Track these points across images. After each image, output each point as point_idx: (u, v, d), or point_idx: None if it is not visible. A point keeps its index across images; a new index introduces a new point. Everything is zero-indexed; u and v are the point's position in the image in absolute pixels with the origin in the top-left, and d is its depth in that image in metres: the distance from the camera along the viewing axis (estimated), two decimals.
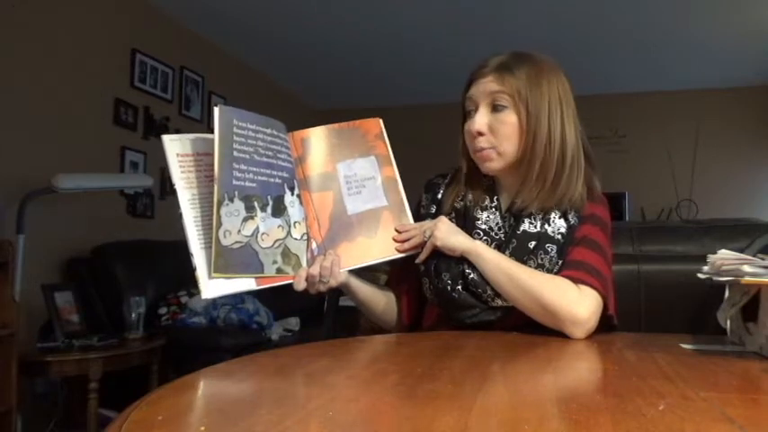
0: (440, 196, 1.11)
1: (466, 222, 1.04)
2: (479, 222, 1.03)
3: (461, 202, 1.06)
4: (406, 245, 1.00)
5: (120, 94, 3.30)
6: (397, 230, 1.01)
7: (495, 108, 0.99)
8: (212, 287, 0.83)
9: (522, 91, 0.97)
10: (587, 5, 3.54)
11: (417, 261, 1.01)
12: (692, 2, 3.46)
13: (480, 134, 0.99)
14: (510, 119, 0.98)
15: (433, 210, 1.10)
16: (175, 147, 0.87)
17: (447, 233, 0.98)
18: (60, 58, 2.90)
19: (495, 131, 0.99)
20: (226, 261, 0.83)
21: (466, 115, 1.04)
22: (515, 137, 0.99)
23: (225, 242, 0.82)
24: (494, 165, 1.01)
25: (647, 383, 0.57)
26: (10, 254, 2.06)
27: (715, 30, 3.85)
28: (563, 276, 0.95)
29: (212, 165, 0.85)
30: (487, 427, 0.43)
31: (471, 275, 0.97)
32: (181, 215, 0.85)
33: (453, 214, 1.06)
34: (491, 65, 1.00)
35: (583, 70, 4.53)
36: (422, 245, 1.00)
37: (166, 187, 3.57)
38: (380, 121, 1.05)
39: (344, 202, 0.99)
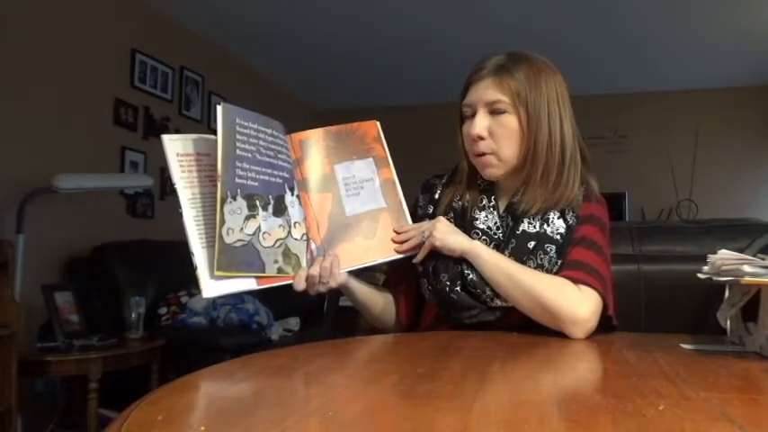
0: (437, 196, 1.10)
1: (464, 222, 1.04)
2: (478, 222, 1.03)
3: (459, 202, 1.06)
4: (405, 245, 1.00)
5: (120, 94, 3.30)
6: (395, 231, 1.01)
7: (495, 111, 0.98)
8: (213, 286, 0.83)
9: (521, 93, 0.97)
10: (587, 6, 3.54)
11: (415, 261, 1.01)
12: (693, 2, 3.46)
13: (481, 138, 0.99)
14: (510, 122, 0.98)
15: (431, 210, 1.09)
16: (176, 146, 0.88)
17: (446, 233, 0.98)
18: (60, 58, 2.90)
19: (495, 135, 0.99)
20: (229, 259, 0.83)
21: (464, 117, 1.04)
22: (516, 140, 0.99)
23: (228, 240, 0.83)
24: (495, 171, 1.01)
25: (647, 383, 0.57)
26: (10, 254, 2.05)
27: (715, 30, 3.85)
28: (563, 276, 0.95)
29: (212, 165, 0.85)
30: (487, 427, 0.43)
31: (470, 276, 0.97)
32: (181, 214, 0.85)
33: (451, 214, 1.06)
34: (489, 67, 0.99)
35: (583, 70, 4.53)
36: (420, 245, 1.00)
37: (166, 187, 3.57)
38: (377, 123, 1.06)
39: (343, 204, 0.99)
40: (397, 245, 1.01)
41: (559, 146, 0.99)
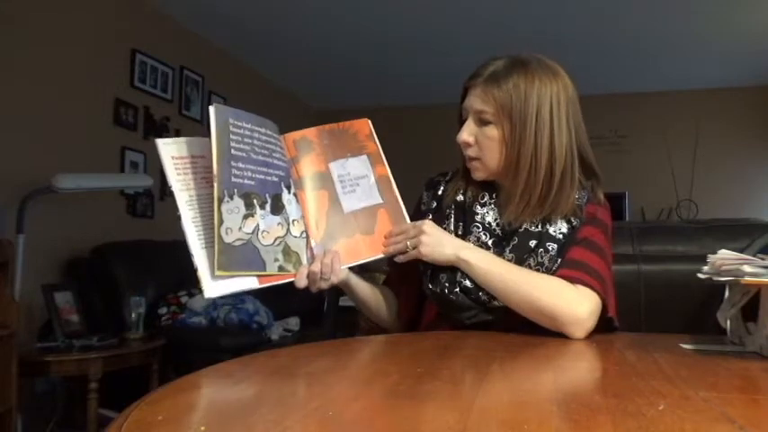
0: (440, 193, 1.11)
1: (465, 216, 1.05)
2: (478, 217, 1.04)
3: (461, 198, 1.07)
4: (391, 249, 1.00)
5: (120, 94, 3.30)
6: (385, 237, 1.01)
7: (481, 120, 1.00)
8: (215, 286, 0.83)
9: (505, 105, 0.96)
10: (587, 6, 3.54)
11: (397, 260, 1.01)
12: (692, 2, 3.46)
13: (467, 144, 1.01)
14: (493, 133, 0.99)
15: (434, 206, 1.10)
16: (170, 150, 0.88)
17: (432, 247, 0.97)
18: (60, 58, 2.90)
19: (480, 144, 1.01)
20: (229, 258, 0.83)
21: (461, 120, 1.05)
22: (498, 151, 0.99)
23: (227, 239, 0.83)
24: (481, 174, 1.04)
25: (647, 383, 0.57)
26: (10, 254, 2.05)
27: (715, 30, 3.85)
28: (560, 275, 0.95)
29: (208, 166, 0.85)
30: (487, 426, 0.43)
31: (464, 282, 0.98)
32: (179, 217, 0.85)
33: (453, 207, 1.07)
34: (483, 75, 0.99)
35: (583, 70, 4.51)
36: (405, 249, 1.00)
37: (166, 188, 3.57)
38: (369, 121, 1.07)
39: (340, 201, 1.00)
40: (384, 248, 1.01)
41: (546, 159, 0.97)
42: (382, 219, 1.01)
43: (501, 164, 1.00)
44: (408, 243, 0.99)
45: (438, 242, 0.98)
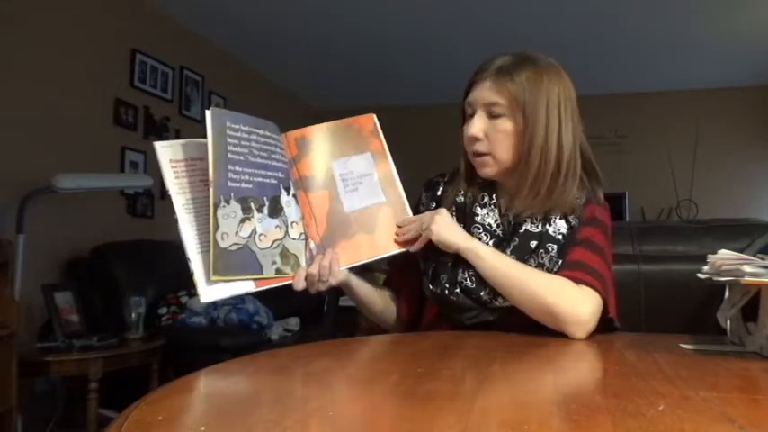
0: (439, 194, 1.11)
1: (465, 218, 1.04)
2: (478, 218, 1.03)
3: (461, 198, 1.07)
4: (403, 237, 1.00)
5: (120, 94, 3.30)
6: (398, 226, 1.01)
7: (492, 113, 0.99)
8: (211, 291, 0.83)
9: (519, 97, 0.96)
10: (588, 6, 3.54)
11: (411, 250, 1.00)
12: (692, 3, 3.46)
13: (477, 139, 1.00)
14: (505, 126, 0.98)
15: (433, 206, 1.10)
16: (168, 153, 0.88)
17: (444, 228, 0.97)
18: (61, 58, 2.90)
19: (491, 138, 0.99)
20: (224, 263, 0.82)
21: (465, 116, 1.04)
22: (510, 144, 0.99)
23: (223, 244, 0.82)
24: (489, 170, 1.02)
25: (647, 383, 0.57)
26: (10, 254, 2.05)
27: (715, 30, 3.85)
28: (563, 276, 0.95)
29: (205, 169, 0.85)
30: (487, 427, 0.43)
31: (465, 282, 0.97)
32: (176, 220, 0.85)
33: (454, 208, 1.06)
34: (491, 68, 0.99)
35: (583, 70, 4.51)
36: (418, 237, 0.99)
37: (166, 188, 3.57)
38: (374, 116, 1.05)
39: (341, 200, 0.98)
40: (397, 238, 1.00)
41: (555, 154, 0.97)
42: (385, 217, 1.00)
43: (512, 158, 0.99)
44: (423, 225, 0.98)
45: (450, 226, 0.98)
